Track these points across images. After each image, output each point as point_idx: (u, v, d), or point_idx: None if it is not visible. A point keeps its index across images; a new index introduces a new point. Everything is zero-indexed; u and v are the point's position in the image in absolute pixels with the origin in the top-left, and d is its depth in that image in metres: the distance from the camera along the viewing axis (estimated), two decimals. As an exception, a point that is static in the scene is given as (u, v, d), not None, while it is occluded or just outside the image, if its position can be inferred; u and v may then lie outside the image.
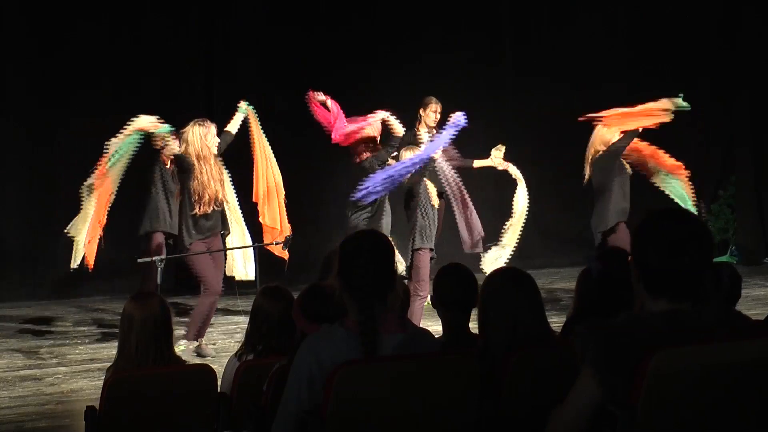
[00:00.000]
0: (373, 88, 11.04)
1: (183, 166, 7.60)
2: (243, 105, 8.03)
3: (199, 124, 7.60)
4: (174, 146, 7.72)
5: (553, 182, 11.51)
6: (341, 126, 8.11)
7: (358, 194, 7.74)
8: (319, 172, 10.64)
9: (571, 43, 12.04)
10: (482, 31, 12.01)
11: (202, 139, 7.53)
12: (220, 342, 7.98)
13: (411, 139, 8.94)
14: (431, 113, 9.14)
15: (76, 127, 10.40)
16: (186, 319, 8.01)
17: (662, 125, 12.26)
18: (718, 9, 12.43)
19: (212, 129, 7.63)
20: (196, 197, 7.53)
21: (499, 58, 12.11)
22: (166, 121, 8.11)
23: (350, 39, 11.34)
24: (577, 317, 3.70)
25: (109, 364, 4.32)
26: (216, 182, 7.57)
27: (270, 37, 11.13)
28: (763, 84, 11.85)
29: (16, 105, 10.37)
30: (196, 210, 7.54)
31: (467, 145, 9.45)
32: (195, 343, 7.52)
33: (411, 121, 9.47)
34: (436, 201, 8.00)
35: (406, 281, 7.47)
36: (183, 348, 7.26)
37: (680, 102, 8.61)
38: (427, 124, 9.14)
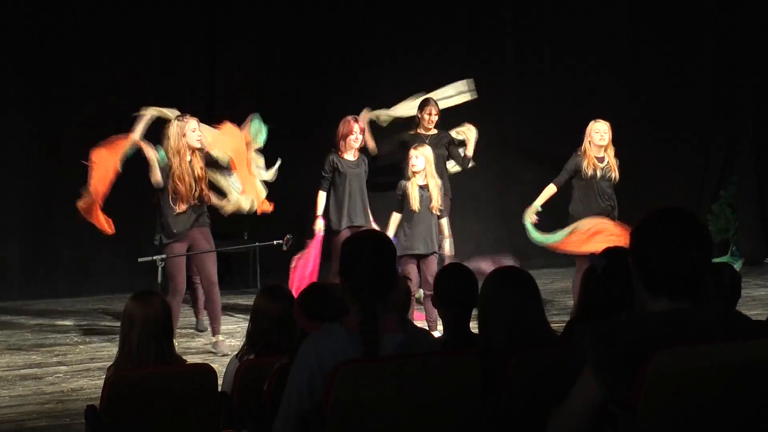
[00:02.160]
0: (373, 88, 11.05)
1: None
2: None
3: (178, 119, 7.62)
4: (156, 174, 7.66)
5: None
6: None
7: None
8: (318, 171, 10.63)
9: (572, 42, 12.03)
10: (483, 26, 12.00)
11: (179, 134, 7.53)
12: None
13: (410, 140, 8.94)
14: (426, 115, 9.11)
15: (76, 127, 10.41)
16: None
17: (662, 127, 12.31)
18: (718, 9, 12.44)
19: (191, 123, 7.60)
20: (172, 195, 7.54)
21: (500, 57, 12.11)
22: (168, 122, 8.12)
23: (350, 39, 11.33)
24: (580, 315, 3.70)
25: (109, 363, 4.33)
26: (190, 178, 7.55)
27: (270, 37, 11.12)
28: (764, 83, 11.86)
29: (17, 105, 10.37)
30: (175, 208, 7.55)
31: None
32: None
33: (411, 118, 9.47)
34: (416, 205, 7.97)
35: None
36: None
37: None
38: (426, 126, 9.12)
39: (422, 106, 9.18)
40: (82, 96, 10.47)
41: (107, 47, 10.48)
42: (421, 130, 9.14)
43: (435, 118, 9.12)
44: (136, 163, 9.49)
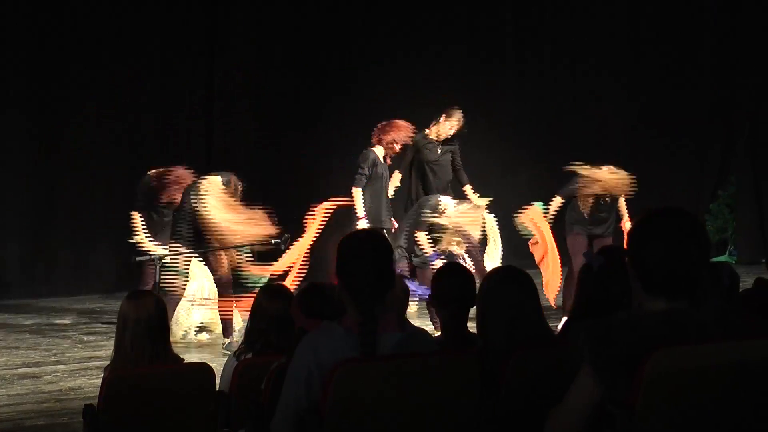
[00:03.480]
0: (372, 88, 11.05)
1: None
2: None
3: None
4: None
5: (552, 181, 11.53)
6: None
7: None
8: (316, 170, 10.64)
9: (572, 42, 12.03)
10: (483, 26, 12.00)
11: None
12: (219, 341, 7.97)
13: (422, 142, 8.89)
14: (456, 122, 8.94)
15: (76, 127, 10.42)
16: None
17: (661, 127, 12.29)
18: (718, 9, 12.45)
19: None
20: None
21: (500, 57, 12.11)
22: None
23: (350, 39, 11.33)
24: (578, 313, 3.69)
25: (107, 363, 4.33)
26: None
27: (270, 37, 11.12)
28: (762, 83, 11.86)
29: (17, 105, 10.37)
30: None
31: (466, 142, 9.46)
32: None
33: (408, 117, 9.44)
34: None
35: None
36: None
37: None
38: (440, 133, 8.99)
39: (451, 114, 8.97)
40: (82, 96, 10.48)
41: (107, 47, 10.49)
42: (433, 134, 8.99)
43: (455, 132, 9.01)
44: (133, 163, 9.52)
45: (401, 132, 8.31)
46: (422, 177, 8.94)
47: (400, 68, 11.24)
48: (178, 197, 7.86)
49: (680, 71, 12.30)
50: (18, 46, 10.28)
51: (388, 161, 8.38)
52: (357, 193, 8.16)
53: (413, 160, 8.93)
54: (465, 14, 11.87)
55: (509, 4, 12.13)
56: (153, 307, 4.08)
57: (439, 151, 8.92)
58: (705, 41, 12.44)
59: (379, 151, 8.30)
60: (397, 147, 8.32)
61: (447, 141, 9.02)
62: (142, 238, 8.50)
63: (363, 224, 8.02)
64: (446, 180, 8.94)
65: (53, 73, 10.38)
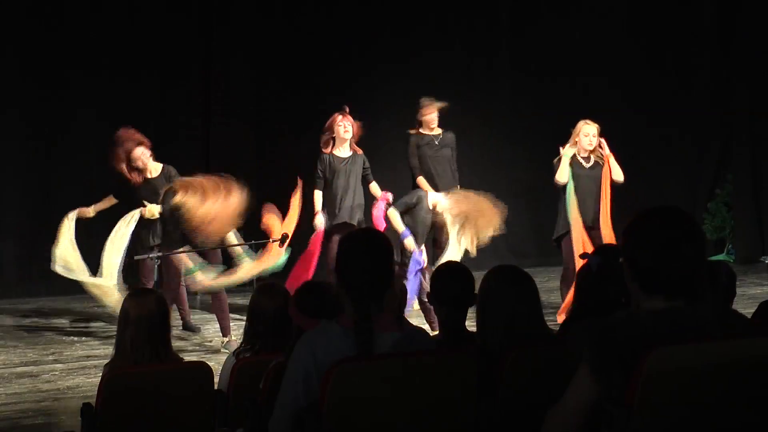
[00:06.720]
0: (367, 85, 11.04)
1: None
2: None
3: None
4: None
5: (550, 180, 11.54)
6: None
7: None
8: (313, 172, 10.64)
9: (568, 37, 12.02)
10: (479, 25, 12.00)
11: None
12: (216, 339, 7.98)
13: (416, 140, 8.90)
14: (429, 116, 8.97)
15: (75, 127, 10.42)
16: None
17: (659, 125, 12.29)
18: (715, 6, 12.44)
19: None
20: None
21: (496, 52, 12.10)
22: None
23: (346, 36, 11.33)
24: (577, 313, 3.70)
25: (105, 361, 4.33)
26: None
27: (266, 36, 11.12)
28: (761, 82, 11.86)
29: (16, 105, 10.36)
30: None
31: (463, 142, 9.47)
32: None
33: (405, 117, 9.44)
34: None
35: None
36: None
37: None
38: (428, 128, 9.01)
39: (424, 105, 9.01)
40: (81, 96, 10.47)
41: (106, 49, 10.48)
42: (425, 131, 9.01)
43: (435, 117, 9.01)
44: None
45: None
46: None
47: (397, 69, 11.24)
48: None
49: (679, 70, 12.30)
50: (17, 47, 10.27)
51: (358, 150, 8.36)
52: (316, 194, 8.33)
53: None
54: (460, 14, 11.86)
55: (505, 4, 12.13)
56: (155, 306, 4.09)
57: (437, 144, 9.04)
58: (703, 39, 12.43)
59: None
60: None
61: (444, 134, 9.04)
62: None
63: (318, 219, 8.19)
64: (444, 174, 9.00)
65: (52, 73, 10.37)
